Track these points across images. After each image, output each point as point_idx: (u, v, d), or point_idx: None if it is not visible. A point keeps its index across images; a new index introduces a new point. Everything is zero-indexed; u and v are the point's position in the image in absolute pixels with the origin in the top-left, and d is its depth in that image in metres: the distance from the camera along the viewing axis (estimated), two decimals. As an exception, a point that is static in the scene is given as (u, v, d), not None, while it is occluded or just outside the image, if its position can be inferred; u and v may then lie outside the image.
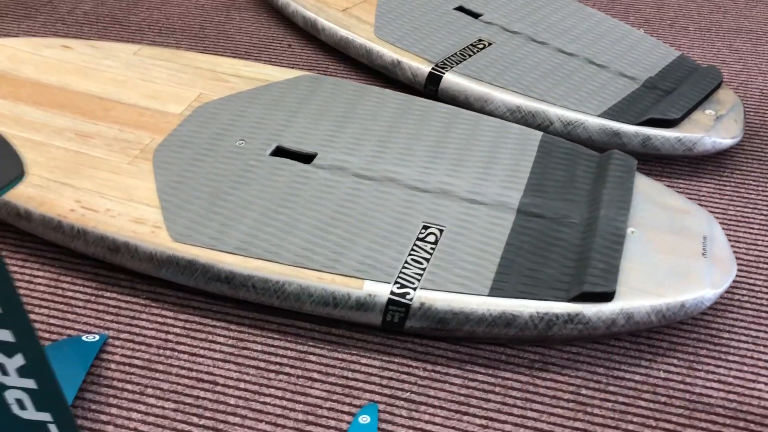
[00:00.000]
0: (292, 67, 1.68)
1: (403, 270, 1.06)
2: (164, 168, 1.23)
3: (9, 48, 1.51)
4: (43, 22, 1.84)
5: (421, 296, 1.03)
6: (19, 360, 0.61)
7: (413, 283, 1.04)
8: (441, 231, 1.12)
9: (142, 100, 1.39)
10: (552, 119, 1.38)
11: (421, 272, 1.06)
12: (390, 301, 1.03)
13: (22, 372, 0.60)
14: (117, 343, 1.07)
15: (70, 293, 1.15)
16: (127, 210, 1.16)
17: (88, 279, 1.17)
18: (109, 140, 1.29)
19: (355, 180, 1.21)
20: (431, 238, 1.11)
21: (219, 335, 1.09)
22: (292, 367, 1.05)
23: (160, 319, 1.11)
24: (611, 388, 1.03)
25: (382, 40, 1.59)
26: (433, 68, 1.49)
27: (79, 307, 1.13)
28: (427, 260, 1.07)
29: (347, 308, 1.04)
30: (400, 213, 1.15)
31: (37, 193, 1.18)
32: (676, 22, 1.90)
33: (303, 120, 1.35)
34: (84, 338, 1.07)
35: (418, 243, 1.10)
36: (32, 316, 1.12)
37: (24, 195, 1.18)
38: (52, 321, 1.11)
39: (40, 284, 1.16)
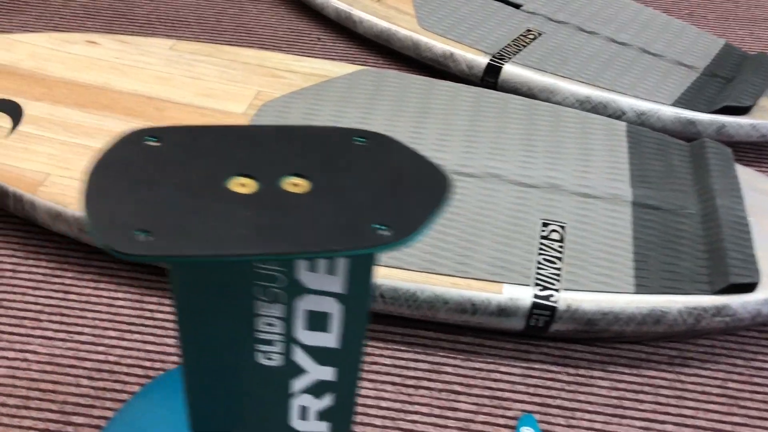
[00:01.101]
0: (329, 60, 1.59)
1: (539, 271, 1.01)
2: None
3: (28, 44, 1.35)
4: (37, 17, 1.67)
5: (566, 298, 0.98)
6: (326, 401, 0.52)
7: (554, 284, 0.99)
8: (562, 227, 1.08)
9: (196, 99, 1.27)
10: (624, 109, 1.36)
11: (557, 272, 1.01)
12: (535, 305, 0.98)
13: (323, 415, 0.51)
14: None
15: (161, 315, 1.03)
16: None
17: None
18: (174, 144, 1.18)
19: (456, 178, 1.15)
20: (555, 236, 1.06)
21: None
22: (429, 380, 0.98)
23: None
24: (756, 380, 1.01)
25: (429, 31, 1.53)
26: (491, 59, 1.44)
27: (174, 329, 1.02)
28: (559, 259, 1.03)
29: (487, 314, 0.98)
30: (513, 210, 1.10)
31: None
32: (695, 11, 1.93)
33: (380, 117, 1.26)
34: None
35: (543, 242, 1.05)
36: (118, 342, 1.00)
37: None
38: (149, 348, 1.00)
39: (125, 306, 1.04)
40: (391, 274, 0.99)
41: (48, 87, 1.26)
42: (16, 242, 1.13)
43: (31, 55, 1.33)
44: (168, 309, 1.05)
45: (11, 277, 1.08)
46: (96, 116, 1.21)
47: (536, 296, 0.98)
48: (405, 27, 1.54)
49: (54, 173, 1.11)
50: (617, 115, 1.37)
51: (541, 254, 1.03)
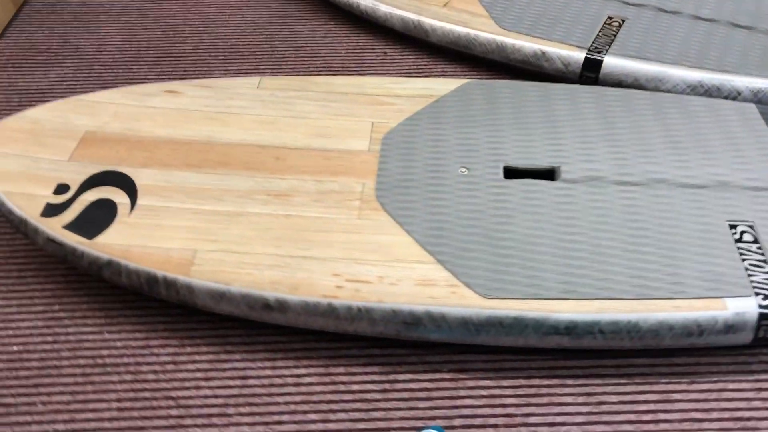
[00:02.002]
0: (408, 75, 1.50)
1: (751, 277, 0.96)
2: (404, 215, 1.04)
3: (106, 104, 1.22)
4: (75, 68, 1.52)
5: (791, 303, 0.94)
6: None
7: (773, 290, 0.95)
8: (751, 227, 1.03)
9: (313, 141, 1.17)
10: (740, 89, 1.32)
11: (769, 276, 0.96)
12: (762, 316, 0.93)
13: None
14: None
15: (356, 386, 0.95)
16: (404, 272, 0.97)
17: (374, 364, 0.97)
18: (313, 195, 1.08)
19: (620, 189, 1.08)
20: (748, 237, 1.02)
21: (570, 394, 0.93)
22: (664, 411, 0.92)
23: (490, 392, 0.94)
24: None
25: (512, 31, 1.45)
26: (588, 54, 1.38)
27: (377, 399, 0.93)
28: (765, 262, 0.98)
29: (714, 333, 0.93)
30: (695, 216, 1.04)
31: (281, 275, 0.96)
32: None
33: (509, 132, 1.18)
34: (422, 438, 0.88)
35: (740, 245, 1.00)
36: (324, 425, 0.91)
37: (265, 281, 0.96)
38: (360, 426, 0.91)
39: (314, 383, 0.95)
40: (607, 307, 0.93)
41: (149, 150, 1.14)
42: (165, 328, 1.02)
43: (115, 116, 1.20)
44: (360, 379, 0.96)
45: (174, 370, 0.97)
46: (214, 176, 1.10)
47: (761, 306, 0.93)
48: (485, 30, 1.46)
49: (201, 248, 1.00)
50: (733, 96, 1.33)
51: (744, 260, 0.99)
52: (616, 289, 0.94)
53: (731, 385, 0.95)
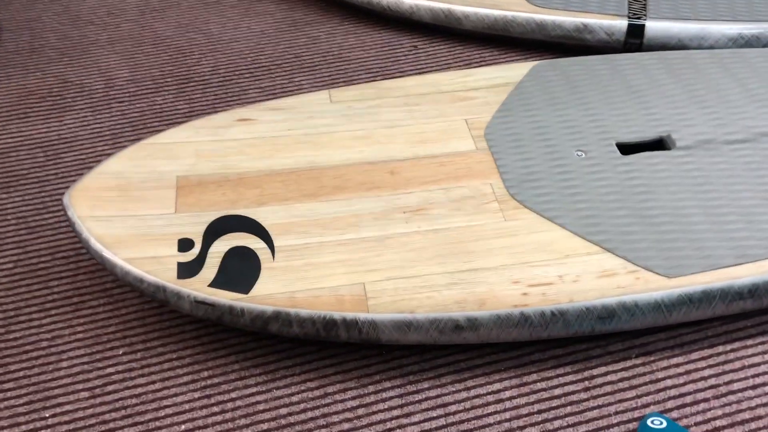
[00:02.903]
0: (449, 66, 1.46)
1: None
2: (547, 209, 1.02)
3: (181, 144, 1.11)
4: (91, 109, 1.38)
5: None
6: None
7: None
8: None
9: (418, 149, 1.12)
10: (778, 35, 1.39)
11: None
12: None
13: None
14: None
15: (558, 390, 0.92)
16: (579, 267, 0.95)
17: (564, 364, 0.95)
18: (448, 204, 1.03)
19: (734, 148, 1.11)
20: None
21: (756, 354, 0.95)
22: (844, 352, 0.97)
23: (685, 368, 0.94)
24: None
25: (547, 8, 1.45)
26: (629, 20, 1.40)
27: (584, 399, 0.91)
28: None
29: None
30: (810, 162, 1.09)
31: (462, 293, 0.92)
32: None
33: (603, 108, 1.18)
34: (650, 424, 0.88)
35: None
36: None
37: (448, 301, 0.91)
38: (582, 429, 0.88)
39: (514, 395, 0.92)
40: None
41: (256, 186, 1.06)
42: (336, 371, 0.95)
43: (199, 155, 1.10)
44: (557, 382, 0.94)
45: (367, 413, 0.91)
46: (339, 203, 1.04)
47: None
48: (521, 10, 1.45)
49: (366, 280, 0.94)
50: (772, 42, 1.40)
51: None
52: (781, 246, 0.98)
53: None
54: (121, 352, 0.99)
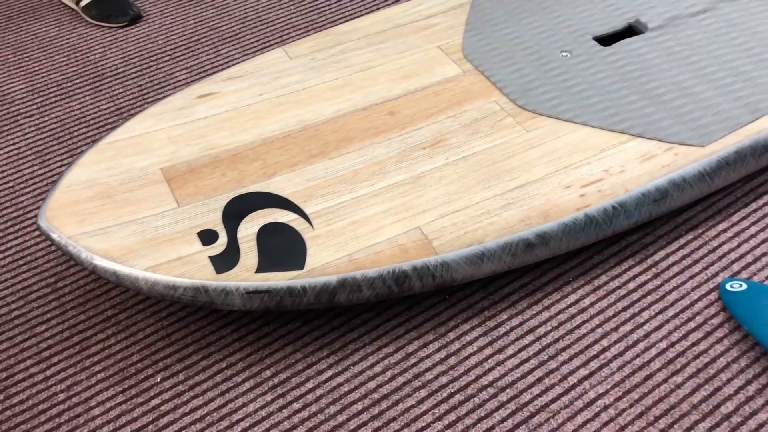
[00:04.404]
0: (380, 8, 1.37)
1: None
2: (562, 111, 0.98)
3: (152, 133, 0.96)
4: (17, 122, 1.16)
5: None
6: None
7: None
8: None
9: (407, 85, 1.04)
10: None
11: None
12: None
13: None
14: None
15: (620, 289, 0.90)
16: (619, 157, 0.92)
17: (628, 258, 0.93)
18: (462, 130, 0.97)
19: (700, 18, 1.12)
20: (820, 18, 1.12)
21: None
22: None
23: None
24: None
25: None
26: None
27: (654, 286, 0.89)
28: None
29: None
30: (770, 17, 1.13)
31: (522, 211, 0.86)
32: None
33: (566, 9, 1.16)
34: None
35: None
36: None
37: (511, 222, 0.85)
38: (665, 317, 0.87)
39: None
40: (792, 110, 0.98)
41: (255, 159, 0.94)
42: (435, 337, 0.88)
43: (175, 142, 0.96)
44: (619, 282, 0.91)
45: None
46: (352, 155, 0.94)
47: None
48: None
49: (419, 223, 0.86)
50: None
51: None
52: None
53: None
54: (159, 379, 0.86)
